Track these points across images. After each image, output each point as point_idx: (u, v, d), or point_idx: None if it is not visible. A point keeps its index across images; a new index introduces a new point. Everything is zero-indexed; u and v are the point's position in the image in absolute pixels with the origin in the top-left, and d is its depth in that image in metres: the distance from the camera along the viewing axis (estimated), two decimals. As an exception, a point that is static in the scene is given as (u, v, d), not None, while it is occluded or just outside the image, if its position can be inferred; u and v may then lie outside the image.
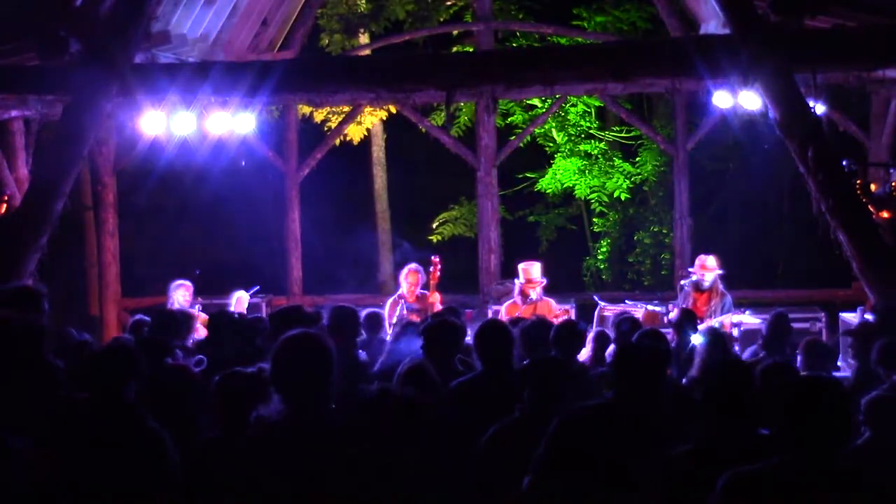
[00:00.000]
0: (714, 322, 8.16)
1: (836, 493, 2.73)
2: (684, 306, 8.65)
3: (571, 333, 5.77)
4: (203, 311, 8.84)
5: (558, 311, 8.67)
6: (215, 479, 3.71)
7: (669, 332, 7.35)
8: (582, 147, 15.62)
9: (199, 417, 4.53)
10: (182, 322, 6.68)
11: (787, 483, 2.75)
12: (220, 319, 6.20)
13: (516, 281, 8.89)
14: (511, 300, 8.87)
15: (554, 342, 5.66)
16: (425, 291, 8.49)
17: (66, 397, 3.96)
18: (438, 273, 8.50)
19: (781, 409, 2.83)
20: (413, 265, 8.67)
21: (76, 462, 3.48)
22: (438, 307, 8.31)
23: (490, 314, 10.06)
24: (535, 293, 8.62)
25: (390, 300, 8.53)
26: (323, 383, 3.23)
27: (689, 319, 7.13)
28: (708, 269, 8.61)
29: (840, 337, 9.26)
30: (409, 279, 8.50)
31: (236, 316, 6.54)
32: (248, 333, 6.07)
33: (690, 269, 8.86)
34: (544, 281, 8.72)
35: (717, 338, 6.02)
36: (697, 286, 8.67)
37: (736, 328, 8.53)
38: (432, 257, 8.61)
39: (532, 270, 8.68)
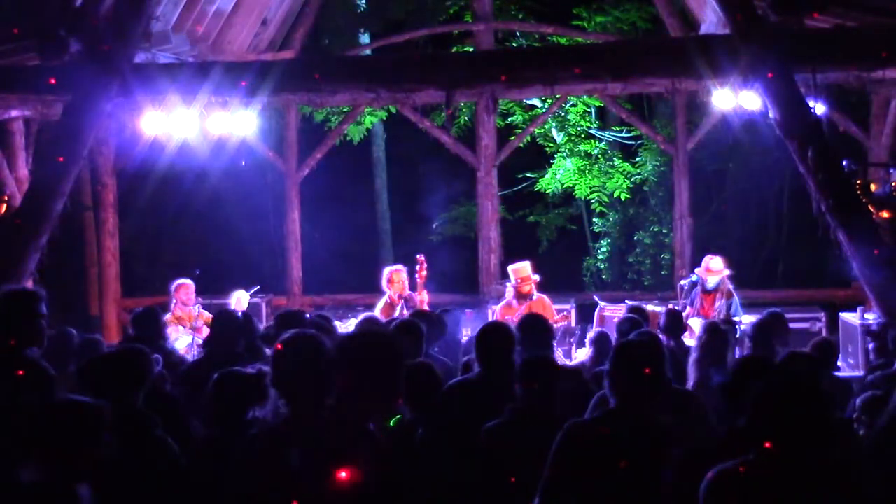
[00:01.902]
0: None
1: (818, 489, 2.75)
2: (688, 307, 8.68)
3: (534, 329, 5.67)
4: (204, 310, 8.84)
5: (555, 311, 8.64)
6: (213, 478, 3.71)
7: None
8: (582, 147, 15.62)
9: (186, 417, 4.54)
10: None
11: (769, 478, 2.77)
12: (222, 318, 6.22)
13: (508, 284, 8.87)
14: (505, 302, 8.85)
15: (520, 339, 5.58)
16: (412, 293, 8.46)
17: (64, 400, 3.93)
18: (425, 272, 8.48)
19: (757, 404, 2.86)
20: (394, 266, 8.64)
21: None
22: (426, 308, 8.28)
23: (490, 314, 10.05)
24: (534, 292, 8.60)
25: (381, 304, 8.46)
26: (322, 384, 3.22)
27: (676, 322, 7.13)
28: (712, 271, 8.59)
29: (840, 337, 9.28)
30: (395, 279, 8.41)
31: (238, 315, 6.54)
32: (251, 332, 6.10)
33: (697, 270, 8.85)
34: (537, 277, 8.70)
35: (715, 334, 5.98)
36: (703, 287, 8.67)
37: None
38: (417, 256, 8.60)
39: (523, 269, 8.65)
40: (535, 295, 8.64)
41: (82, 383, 3.96)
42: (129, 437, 3.55)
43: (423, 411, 4.39)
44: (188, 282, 8.84)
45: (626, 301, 10.03)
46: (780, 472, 2.77)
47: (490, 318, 9.45)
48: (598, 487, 3.43)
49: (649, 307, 9.36)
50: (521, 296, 8.62)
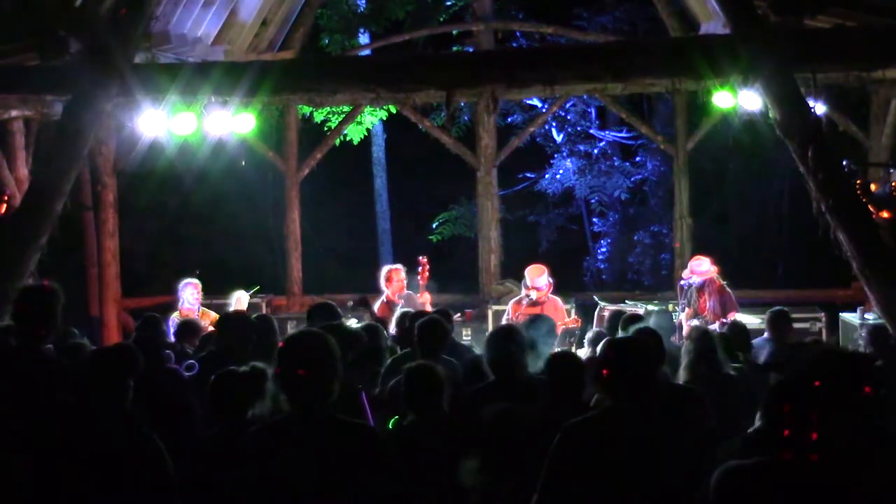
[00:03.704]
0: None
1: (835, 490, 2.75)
2: (687, 307, 8.71)
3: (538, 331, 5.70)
4: (210, 310, 8.83)
5: (565, 312, 8.61)
6: (214, 478, 3.71)
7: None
8: (582, 147, 15.64)
9: (194, 420, 4.53)
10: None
11: (779, 478, 2.76)
12: (229, 318, 6.19)
13: (523, 283, 8.84)
14: (517, 298, 8.83)
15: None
16: (411, 292, 8.45)
17: (58, 400, 3.92)
18: (427, 273, 8.48)
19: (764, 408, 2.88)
20: (392, 265, 8.62)
21: (67, 470, 3.44)
22: (429, 307, 8.26)
23: (490, 314, 10.05)
24: (534, 296, 8.57)
25: (378, 303, 8.45)
26: (327, 382, 3.23)
27: (664, 320, 7.18)
28: (695, 272, 8.72)
29: (840, 337, 9.29)
30: (394, 278, 8.42)
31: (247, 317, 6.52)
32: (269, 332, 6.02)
33: (684, 272, 8.96)
34: (547, 288, 8.62)
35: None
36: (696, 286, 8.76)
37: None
38: (419, 258, 8.59)
39: (538, 280, 8.52)
40: (547, 298, 8.58)
41: (70, 382, 3.95)
42: (116, 435, 3.54)
43: (424, 413, 4.39)
44: (195, 281, 8.84)
45: (626, 301, 10.04)
46: (795, 474, 2.76)
47: (502, 325, 9.33)
48: (596, 487, 3.42)
49: (649, 307, 9.37)
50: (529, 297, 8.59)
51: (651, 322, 7.16)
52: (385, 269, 8.56)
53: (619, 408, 3.51)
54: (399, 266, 8.54)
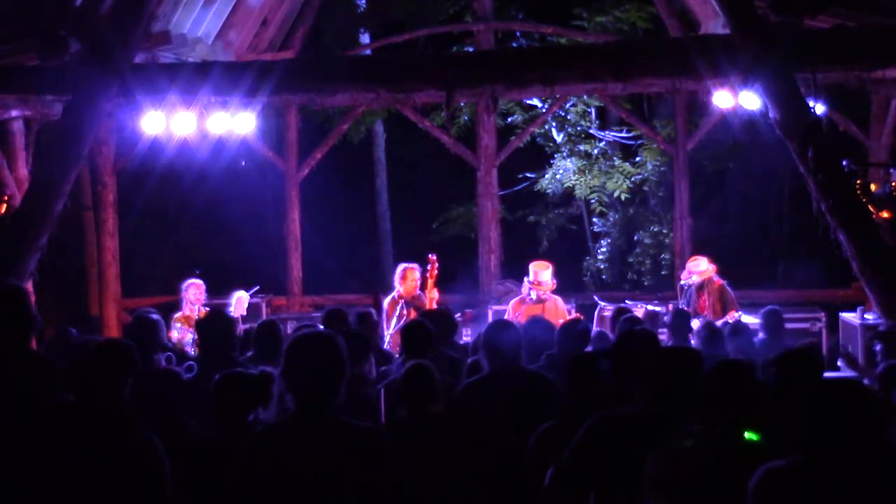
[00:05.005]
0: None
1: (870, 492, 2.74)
2: (686, 306, 8.71)
3: (575, 332, 5.77)
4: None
5: (566, 312, 8.60)
6: (211, 480, 3.71)
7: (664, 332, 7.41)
8: (582, 147, 15.62)
9: (189, 422, 4.52)
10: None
11: (818, 479, 2.75)
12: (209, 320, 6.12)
13: (525, 279, 8.82)
14: (517, 297, 8.83)
15: (557, 341, 5.65)
16: (420, 293, 8.45)
17: (53, 398, 3.91)
18: (436, 271, 8.47)
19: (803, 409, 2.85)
20: (408, 264, 8.60)
21: (63, 472, 3.44)
22: (434, 306, 8.27)
23: (490, 314, 10.04)
24: (535, 294, 8.57)
25: (388, 299, 8.47)
26: (333, 383, 3.23)
27: (683, 321, 7.17)
28: (692, 272, 8.74)
29: (840, 337, 9.29)
30: (409, 277, 8.41)
31: (227, 315, 6.48)
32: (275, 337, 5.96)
33: (682, 273, 8.97)
34: (552, 286, 8.61)
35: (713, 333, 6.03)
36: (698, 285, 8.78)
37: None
38: (429, 255, 8.58)
39: (542, 274, 8.53)
40: (549, 297, 8.57)
41: (68, 380, 3.94)
42: (114, 435, 3.54)
43: (419, 412, 4.40)
44: (198, 281, 8.80)
45: (626, 301, 10.03)
46: (832, 474, 2.76)
47: (498, 318, 9.33)
48: (615, 481, 3.42)
49: (649, 307, 9.37)
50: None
51: (668, 321, 7.19)
52: (400, 268, 8.52)
53: (656, 412, 3.51)
54: (415, 266, 8.49)
